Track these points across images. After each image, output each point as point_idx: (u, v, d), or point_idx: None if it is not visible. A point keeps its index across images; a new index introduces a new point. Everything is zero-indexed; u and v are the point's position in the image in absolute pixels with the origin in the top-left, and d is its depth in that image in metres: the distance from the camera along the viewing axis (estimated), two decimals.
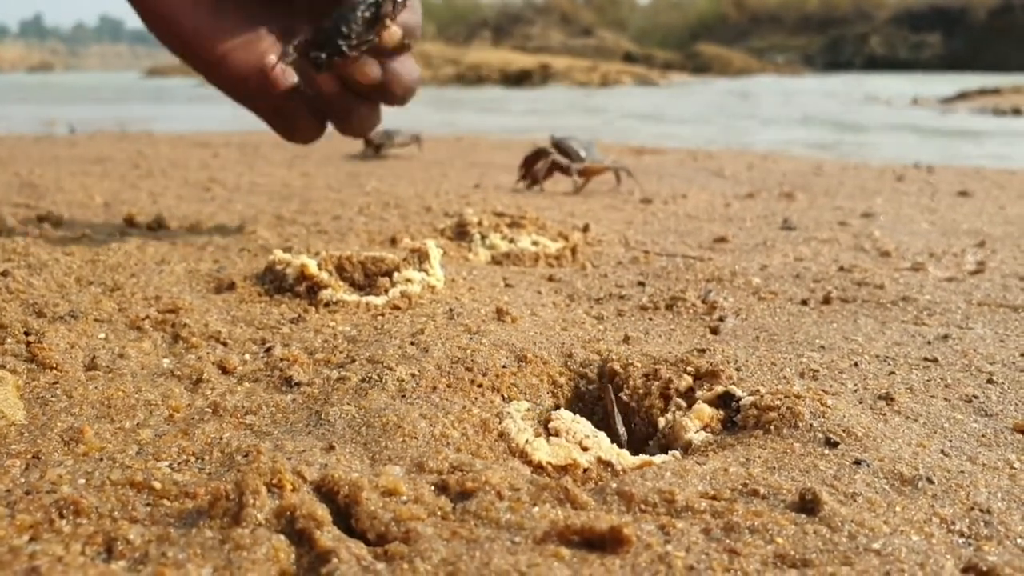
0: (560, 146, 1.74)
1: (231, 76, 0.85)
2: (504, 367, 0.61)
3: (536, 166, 1.74)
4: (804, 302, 0.88)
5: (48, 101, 5.79)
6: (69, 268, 0.76)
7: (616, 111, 5.80)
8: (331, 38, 0.82)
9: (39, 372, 0.56)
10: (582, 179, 1.76)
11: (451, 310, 0.74)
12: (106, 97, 7.11)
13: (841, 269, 1.04)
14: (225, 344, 0.64)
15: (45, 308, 0.66)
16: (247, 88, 0.85)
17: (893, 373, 0.66)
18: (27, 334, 0.60)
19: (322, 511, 0.40)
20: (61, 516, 0.40)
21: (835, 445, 0.50)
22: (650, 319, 0.81)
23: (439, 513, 0.41)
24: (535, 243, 1.09)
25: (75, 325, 0.63)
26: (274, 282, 0.77)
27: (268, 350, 0.63)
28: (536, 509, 0.42)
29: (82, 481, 0.43)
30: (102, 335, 0.63)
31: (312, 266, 0.76)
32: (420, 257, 0.83)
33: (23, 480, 0.43)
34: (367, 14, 0.83)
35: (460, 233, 1.14)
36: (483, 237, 1.10)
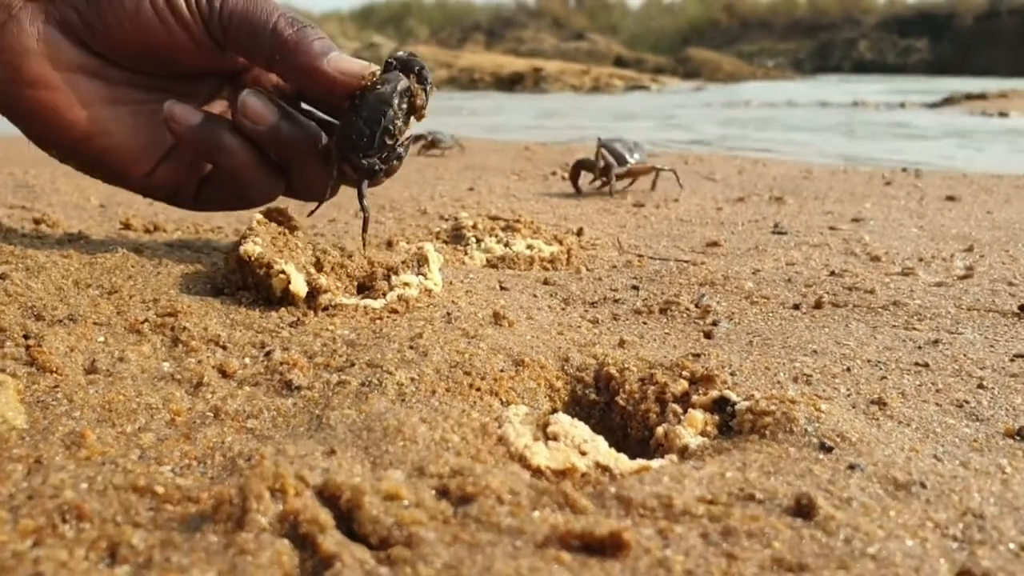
0: (606, 150, 1.77)
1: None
2: (502, 371, 0.61)
3: (580, 177, 1.80)
4: (796, 306, 0.89)
5: None
6: (67, 271, 0.76)
7: (609, 113, 5.82)
8: (379, 141, 0.77)
9: (39, 376, 0.56)
10: (629, 179, 1.82)
11: (448, 314, 0.75)
12: None
13: (832, 274, 1.05)
14: (225, 348, 0.64)
15: (44, 311, 0.66)
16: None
17: (885, 378, 0.67)
18: (26, 337, 0.60)
19: (325, 515, 0.40)
20: (64, 521, 0.40)
21: (830, 450, 0.51)
22: (645, 323, 0.82)
23: (440, 517, 0.42)
24: (530, 247, 1.10)
25: (74, 328, 0.63)
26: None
27: (268, 354, 0.63)
28: (536, 513, 0.42)
29: (85, 485, 0.43)
30: (101, 338, 0.63)
31: (301, 291, 0.74)
32: (419, 260, 0.83)
33: (25, 485, 0.43)
34: (404, 106, 0.78)
35: (455, 236, 1.14)
36: (478, 240, 1.11)
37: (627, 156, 1.76)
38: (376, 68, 0.79)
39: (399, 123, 0.77)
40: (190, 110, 0.80)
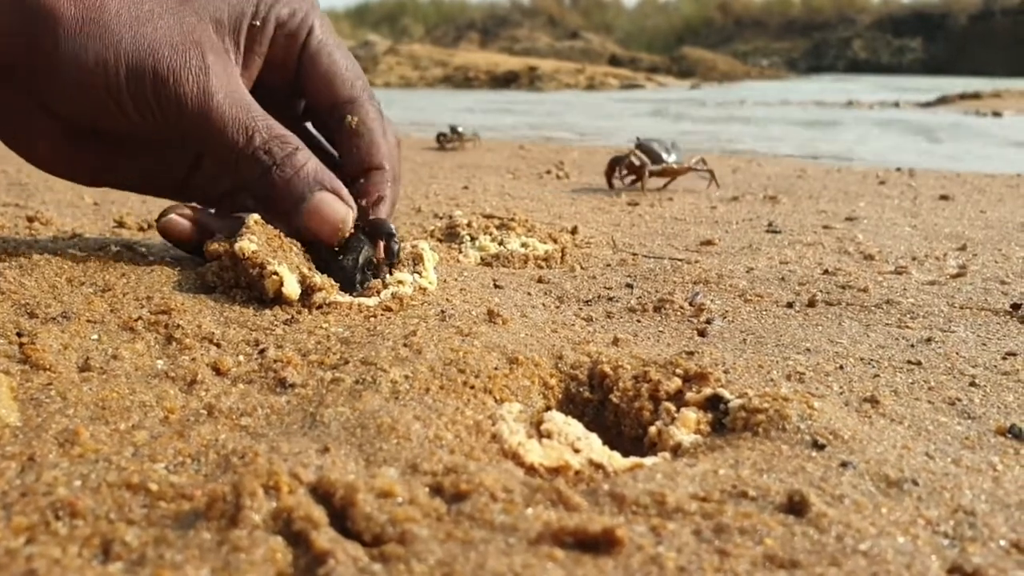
0: (642, 148, 1.81)
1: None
2: (496, 369, 0.61)
3: (616, 171, 1.85)
4: (789, 305, 0.89)
5: None
6: (60, 268, 0.76)
7: (602, 112, 5.82)
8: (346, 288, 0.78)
9: (33, 373, 0.56)
10: (666, 178, 1.87)
11: (443, 312, 0.75)
12: None
13: (825, 272, 1.05)
14: (219, 345, 0.64)
15: (37, 309, 0.66)
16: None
17: (878, 376, 0.67)
18: (20, 335, 0.60)
19: (318, 513, 0.40)
20: (57, 518, 0.40)
21: (822, 447, 0.51)
22: (638, 321, 0.82)
23: (434, 515, 0.42)
24: (524, 245, 1.10)
25: (68, 326, 0.63)
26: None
27: (261, 351, 0.63)
28: (530, 511, 0.42)
29: (78, 483, 0.43)
30: (95, 336, 0.63)
31: (294, 293, 0.73)
32: (415, 259, 0.83)
33: (19, 482, 0.43)
34: (367, 284, 0.79)
35: (450, 235, 1.14)
36: (473, 239, 1.11)
37: (664, 155, 1.80)
38: (349, 225, 0.78)
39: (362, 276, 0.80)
40: (177, 224, 0.80)
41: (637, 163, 1.78)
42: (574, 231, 1.25)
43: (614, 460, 0.51)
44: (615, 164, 1.83)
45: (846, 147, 3.41)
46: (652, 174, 1.80)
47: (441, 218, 1.34)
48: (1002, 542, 0.42)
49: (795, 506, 0.44)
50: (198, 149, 0.82)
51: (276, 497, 0.41)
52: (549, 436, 0.53)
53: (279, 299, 0.73)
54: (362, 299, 0.76)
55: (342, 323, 0.71)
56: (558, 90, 9.64)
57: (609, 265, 1.07)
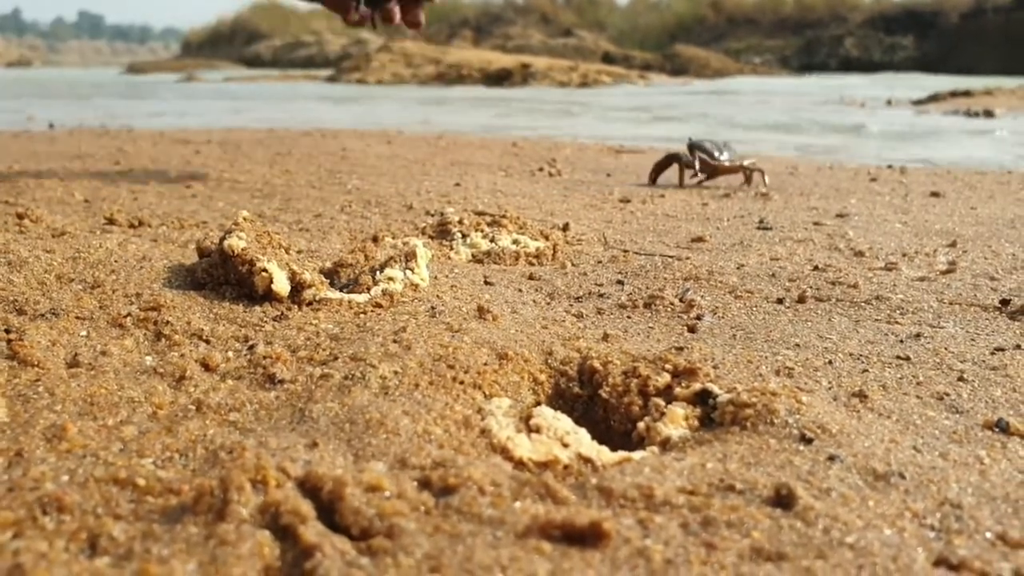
0: (696, 148, 1.88)
1: None
2: (486, 365, 0.61)
3: (666, 170, 1.90)
4: (780, 301, 0.89)
5: (26, 97, 5.72)
6: (50, 265, 0.76)
7: (596, 110, 5.81)
8: None
9: (21, 370, 0.56)
10: (714, 176, 1.91)
11: (433, 308, 0.75)
12: (85, 93, 7.03)
13: (816, 268, 1.05)
14: (208, 342, 0.64)
15: (26, 306, 0.65)
16: None
17: (867, 371, 0.67)
18: (8, 332, 0.60)
19: (306, 507, 0.40)
20: (44, 513, 0.40)
21: (810, 441, 0.51)
22: (629, 317, 0.82)
23: (422, 508, 0.42)
24: (516, 242, 1.10)
25: (56, 323, 0.63)
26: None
27: (251, 348, 0.63)
28: (518, 504, 0.42)
29: (65, 478, 0.43)
30: (84, 332, 0.63)
31: (283, 290, 0.73)
32: (407, 256, 0.83)
33: (6, 477, 0.43)
34: None
35: (441, 232, 1.14)
36: (464, 236, 1.11)
37: (716, 154, 1.86)
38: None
39: None
40: None
41: (691, 161, 1.85)
42: (566, 228, 1.26)
43: (603, 454, 0.51)
44: (669, 161, 1.89)
45: (839, 144, 3.41)
46: (704, 172, 1.86)
47: (433, 215, 1.34)
48: (988, 534, 0.43)
49: (782, 499, 0.44)
50: None
51: (263, 491, 0.41)
52: (538, 431, 0.53)
53: (269, 296, 0.73)
54: (352, 296, 0.76)
55: (332, 319, 0.71)
56: (551, 87, 9.64)
57: (600, 262, 1.07)
